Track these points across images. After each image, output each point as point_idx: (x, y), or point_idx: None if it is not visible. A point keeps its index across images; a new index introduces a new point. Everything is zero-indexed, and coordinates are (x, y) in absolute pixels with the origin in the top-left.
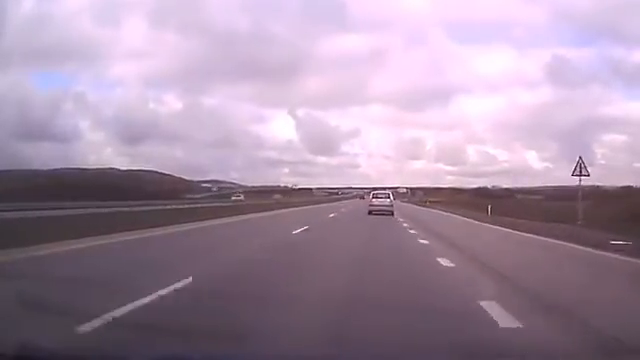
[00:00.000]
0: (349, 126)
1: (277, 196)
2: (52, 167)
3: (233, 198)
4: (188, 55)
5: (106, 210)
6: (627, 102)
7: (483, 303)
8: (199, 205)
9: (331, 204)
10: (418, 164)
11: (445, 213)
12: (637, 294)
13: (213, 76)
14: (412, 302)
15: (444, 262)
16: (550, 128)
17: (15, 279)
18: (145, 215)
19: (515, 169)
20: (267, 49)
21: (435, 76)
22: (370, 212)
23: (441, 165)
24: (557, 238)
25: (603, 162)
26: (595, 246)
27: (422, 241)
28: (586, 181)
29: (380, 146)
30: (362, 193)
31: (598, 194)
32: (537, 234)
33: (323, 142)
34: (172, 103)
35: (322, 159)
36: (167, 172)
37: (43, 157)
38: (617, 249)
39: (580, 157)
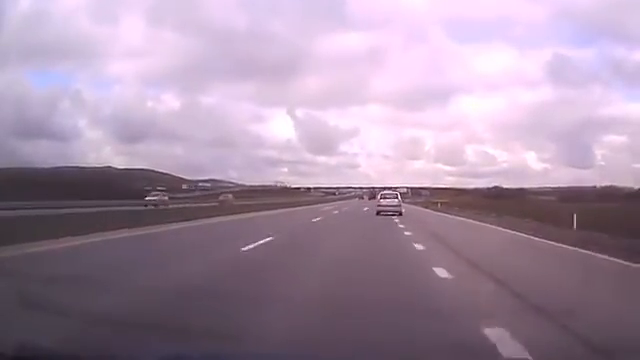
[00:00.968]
0: (348, 125)
1: (225, 197)
2: (52, 165)
3: (220, 198)
4: (186, 54)
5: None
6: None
7: None
8: (162, 207)
9: (323, 205)
10: (417, 164)
11: (479, 223)
12: None
13: (211, 75)
14: None
15: None
16: (550, 128)
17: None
18: (91, 218)
19: (515, 169)
20: (266, 48)
21: (434, 75)
22: (378, 212)
23: (440, 165)
24: None
25: (603, 163)
26: None
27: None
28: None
29: (379, 146)
30: (361, 193)
31: (620, 196)
32: None
33: (322, 141)
34: (170, 102)
35: (321, 159)
36: (165, 171)
37: (40, 155)
38: None
39: None
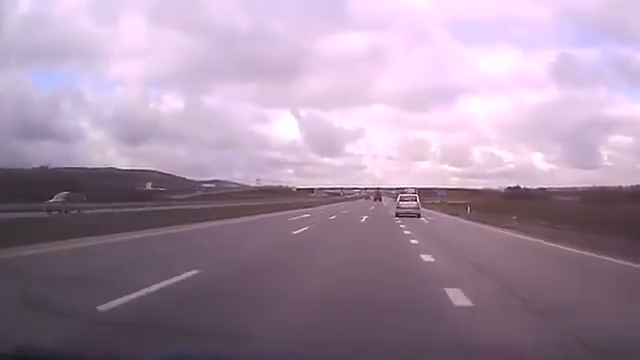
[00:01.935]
0: (353, 127)
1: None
2: (55, 166)
3: None
4: (189, 54)
5: None
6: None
7: None
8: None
9: (324, 207)
10: (423, 165)
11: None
12: None
13: (214, 75)
14: None
15: None
16: (558, 128)
17: None
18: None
19: (521, 170)
20: (269, 48)
21: (439, 76)
22: (397, 214)
23: (446, 166)
24: None
25: (610, 164)
26: None
27: None
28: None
29: (385, 147)
30: (367, 194)
31: None
32: None
33: (327, 143)
34: (173, 103)
35: (326, 160)
36: (168, 172)
37: (41, 156)
38: None
39: None
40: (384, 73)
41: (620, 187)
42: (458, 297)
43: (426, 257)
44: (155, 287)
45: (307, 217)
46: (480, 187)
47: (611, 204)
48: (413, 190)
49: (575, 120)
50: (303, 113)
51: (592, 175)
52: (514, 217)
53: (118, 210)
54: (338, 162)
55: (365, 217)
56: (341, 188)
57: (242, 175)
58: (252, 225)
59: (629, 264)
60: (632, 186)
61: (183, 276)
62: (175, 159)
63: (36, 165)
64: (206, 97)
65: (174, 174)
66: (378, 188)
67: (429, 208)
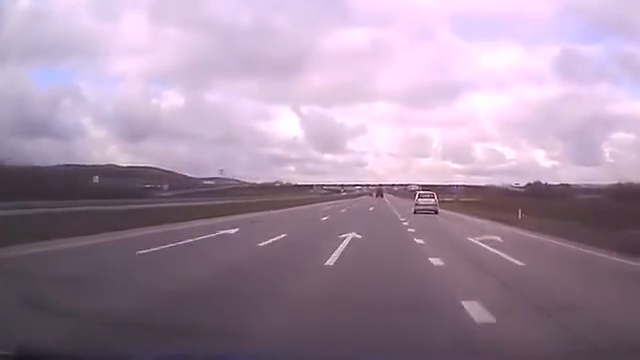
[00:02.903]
0: (355, 123)
1: None
2: (53, 164)
3: None
4: (190, 51)
5: None
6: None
7: None
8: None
9: (316, 206)
10: (425, 162)
11: None
12: None
13: (215, 72)
14: None
15: None
16: (563, 125)
17: None
18: None
19: (523, 166)
20: (271, 44)
21: (442, 73)
22: (416, 212)
23: (449, 163)
24: None
25: (612, 161)
26: None
27: None
28: None
29: (387, 143)
30: (369, 190)
31: None
32: None
33: (329, 139)
34: (174, 99)
35: (328, 156)
36: (169, 169)
37: (41, 153)
38: None
39: None
40: (386, 69)
41: None
42: None
43: None
44: None
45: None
46: (482, 184)
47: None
48: (417, 187)
49: (579, 116)
50: (305, 110)
51: (594, 172)
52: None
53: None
54: (340, 159)
55: (350, 236)
56: (342, 185)
57: (243, 172)
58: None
59: None
60: None
61: None
62: (176, 156)
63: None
64: (207, 93)
65: (175, 171)
66: (380, 185)
67: (448, 208)
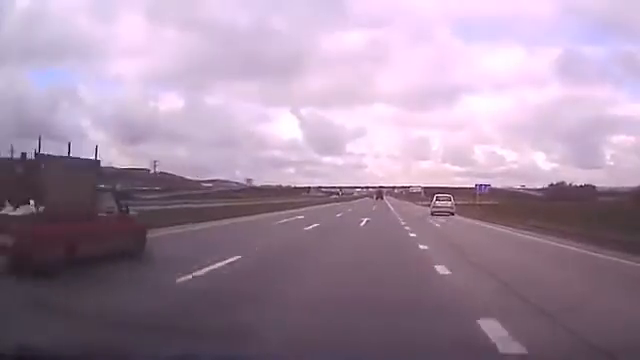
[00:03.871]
0: (354, 125)
1: None
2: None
3: None
4: (188, 53)
5: None
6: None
7: None
8: None
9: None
10: (425, 164)
11: None
12: None
13: (214, 74)
14: None
15: None
16: (562, 127)
17: None
18: None
19: (523, 169)
20: (270, 46)
21: (441, 74)
22: (433, 213)
23: (448, 165)
24: None
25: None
26: None
27: None
28: None
29: (386, 146)
30: (367, 192)
31: None
32: None
33: (328, 142)
34: (173, 101)
35: (328, 159)
36: (168, 172)
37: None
38: None
39: None
40: (386, 71)
41: None
42: None
43: None
44: None
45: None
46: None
47: None
48: (420, 188)
49: (579, 119)
50: (304, 112)
51: (595, 175)
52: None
53: None
54: (339, 161)
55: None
56: (340, 187)
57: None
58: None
59: None
60: None
61: None
62: (175, 159)
63: None
64: (207, 96)
65: (174, 173)
66: (380, 187)
67: (479, 217)
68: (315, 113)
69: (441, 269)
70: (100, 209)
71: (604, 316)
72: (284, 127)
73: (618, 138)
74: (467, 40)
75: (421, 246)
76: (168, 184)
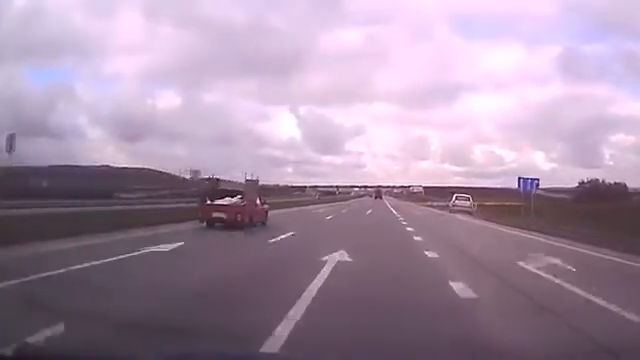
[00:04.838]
0: (353, 124)
1: None
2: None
3: None
4: (186, 50)
5: None
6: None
7: None
8: None
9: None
10: (424, 164)
11: None
12: None
13: (212, 72)
14: None
15: None
16: (563, 126)
17: None
18: None
19: (522, 168)
20: (268, 44)
21: (441, 73)
22: (451, 211)
23: (447, 165)
24: None
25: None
26: None
27: None
28: None
29: (385, 145)
30: (366, 192)
31: None
32: None
33: (327, 140)
34: (171, 99)
35: (327, 158)
36: (165, 170)
37: (36, 154)
38: None
39: None
40: (385, 70)
41: None
42: None
43: None
44: None
45: None
46: (479, 186)
47: None
48: (420, 188)
49: (579, 117)
50: (302, 110)
51: (595, 174)
52: None
53: None
54: (338, 160)
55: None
56: (337, 186)
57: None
58: None
59: None
60: None
61: None
62: (172, 157)
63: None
64: (205, 94)
65: (170, 172)
66: (379, 186)
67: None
68: (314, 111)
69: None
70: (257, 201)
71: None
72: (282, 125)
73: (617, 137)
74: (467, 38)
75: None
76: (165, 183)
